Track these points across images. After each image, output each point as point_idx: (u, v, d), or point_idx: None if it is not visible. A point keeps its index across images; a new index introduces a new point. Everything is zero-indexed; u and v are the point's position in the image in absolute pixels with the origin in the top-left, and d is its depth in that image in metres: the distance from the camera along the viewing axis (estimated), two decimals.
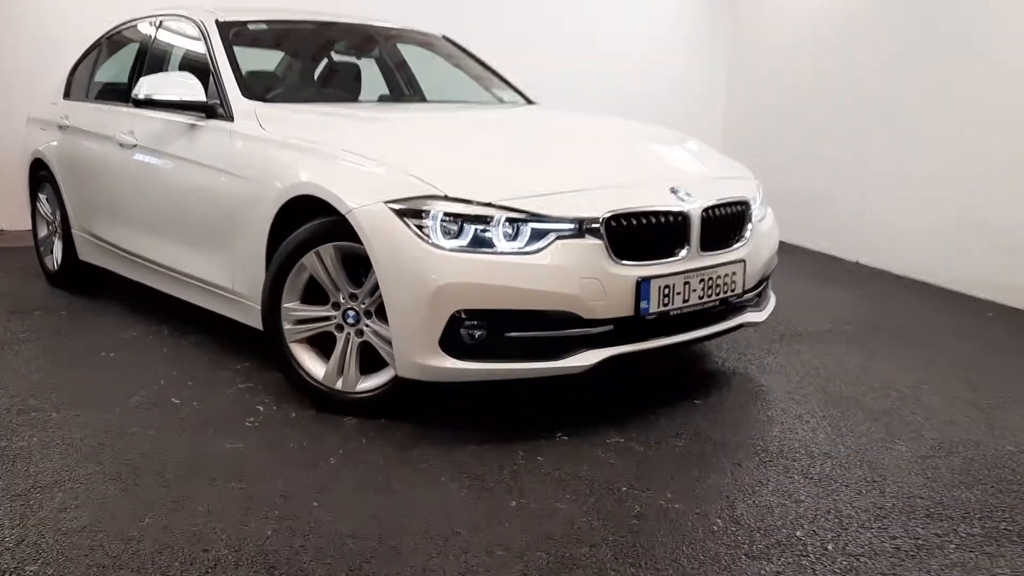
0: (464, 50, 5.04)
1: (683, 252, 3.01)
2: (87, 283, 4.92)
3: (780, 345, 4.10)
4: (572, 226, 2.80)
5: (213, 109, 3.65)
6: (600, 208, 2.85)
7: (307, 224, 3.05)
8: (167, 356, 3.76)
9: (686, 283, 3.00)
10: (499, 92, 4.72)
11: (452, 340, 2.76)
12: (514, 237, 2.77)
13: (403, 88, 4.91)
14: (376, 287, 2.88)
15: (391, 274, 2.77)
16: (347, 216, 2.87)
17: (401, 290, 2.76)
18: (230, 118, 3.58)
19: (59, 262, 4.96)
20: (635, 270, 2.88)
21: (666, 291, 2.95)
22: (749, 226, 3.33)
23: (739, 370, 3.71)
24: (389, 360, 2.95)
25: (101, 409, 3.13)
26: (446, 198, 2.77)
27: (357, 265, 2.99)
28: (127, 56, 4.64)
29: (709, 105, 8.19)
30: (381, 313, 2.92)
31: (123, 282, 4.53)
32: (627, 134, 3.75)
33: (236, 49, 3.92)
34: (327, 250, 2.99)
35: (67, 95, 5.10)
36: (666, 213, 2.98)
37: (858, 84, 6.41)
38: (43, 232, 5.18)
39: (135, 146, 4.06)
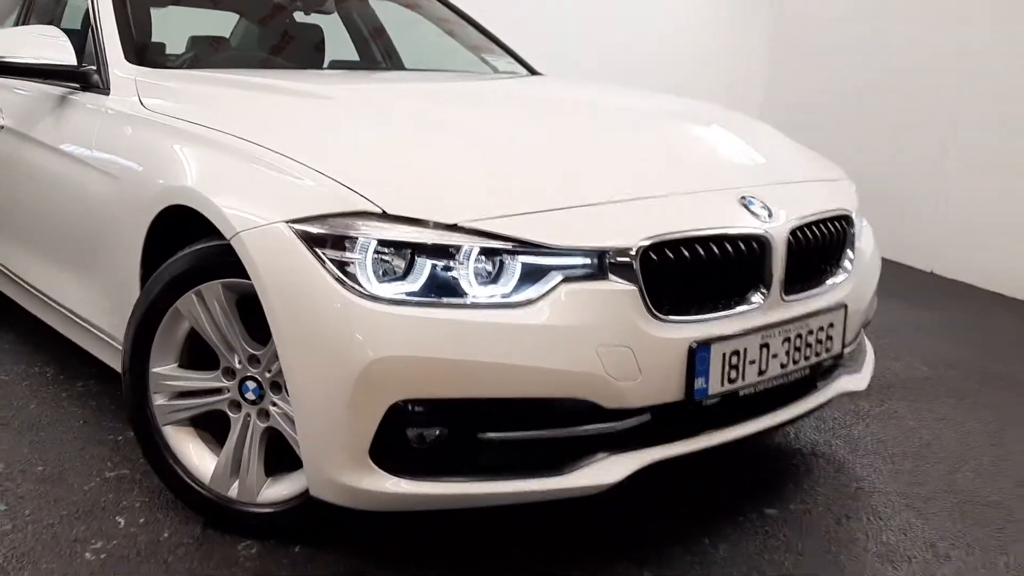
0: (457, 11, 3.98)
1: (758, 297, 1.95)
2: None
3: (868, 403, 3.02)
4: (587, 261, 1.75)
5: (87, 77, 2.60)
6: (633, 232, 1.79)
7: (185, 250, 2.01)
8: (31, 416, 2.72)
9: (764, 346, 1.94)
10: (494, 60, 3.65)
11: (391, 446, 1.71)
12: (493, 279, 1.73)
13: (376, 55, 3.86)
14: None
15: (293, 338, 1.73)
16: (232, 242, 1.83)
17: (309, 365, 1.72)
18: (105, 89, 2.54)
19: None
20: (686, 329, 1.82)
21: (734, 360, 1.89)
22: (850, 252, 2.26)
23: (820, 447, 2.65)
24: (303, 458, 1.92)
25: None
26: (384, 216, 1.72)
27: (261, 314, 1.96)
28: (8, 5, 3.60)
29: (744, 92, 7.01)
30: None
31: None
32: (668, 115, 2.65)
33: (164, 10, 2.90)
34: (213, 290, 1.95)
35: None
36: (736, 238, 1.91)
37: (937, 61, 5.29)
38: None
39: (2, 128, 3.02)
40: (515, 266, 1.73)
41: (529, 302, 1.71)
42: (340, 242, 1.70)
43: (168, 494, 2.17)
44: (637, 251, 1.76)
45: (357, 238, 1.69)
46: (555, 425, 1.76)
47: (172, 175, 2.07)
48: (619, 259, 1.76)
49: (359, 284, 1.68)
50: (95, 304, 2.48)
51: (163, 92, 2.43)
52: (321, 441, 1.74)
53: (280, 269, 1.74)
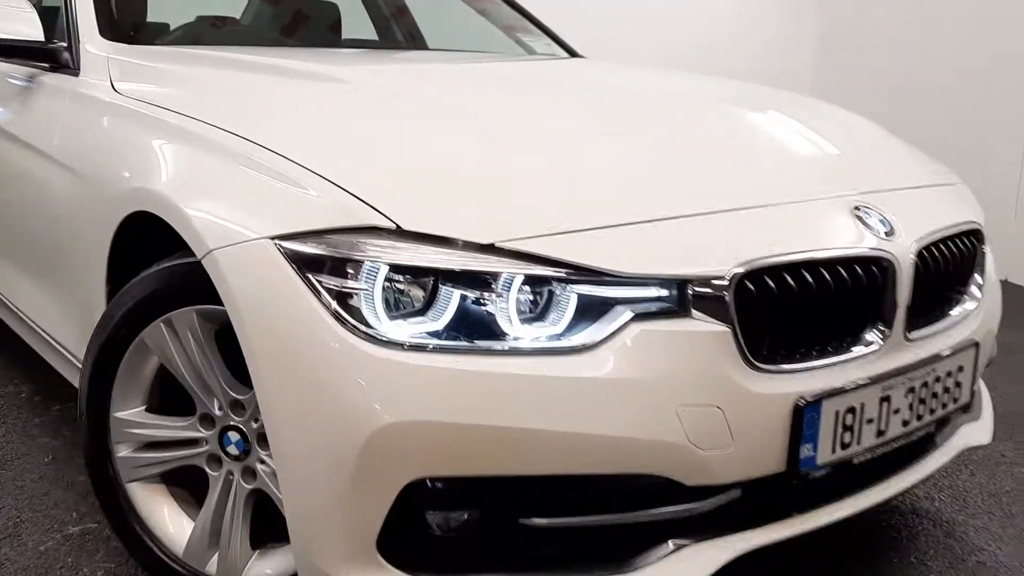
0: None
1: (876, 336, 1.52)
2: None
3: (978, 451, 2.56)
4: (664, 292, 1.33)
5: (56, 55, 2.21)
6: (724, 254, 1.36)
7: (151, 268, 1.61)
8: None
9: (884, 399, 1.51)
10: (531, 41, 3.22)
11: (406, 534, 1.31)
12: (540, 316, 1.31)
13: (398, 36, 3.46)
14: None
15: (278, 390, 1.32)
16: (203, 261, 1.42)
17: (299, 426, 1.31)
18: (75, 70, 2.14)
19: None
20: (791, 382, 1.40)
21: (848, 420, 1.46)
22: (978, 276, 1.82)
23: (922, 504, 2.20)
24: None
25: None
26: (399, 233, 1.30)
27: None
28: None
29: (789, 84, 6.49)
30: None
31: None
32: (743, 104, 2.19)
33: None
34: (186, 319, 1.55)
35: None
36: (853, 261, 1.49)
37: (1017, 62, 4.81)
38: None
39: None
40: (569, 299, 1.32)
41: (588, 347, 1.30)
42: (341, 266, 1.29)
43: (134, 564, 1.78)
44: (731, 280, 1.34)
45: (363, 262, 1.28)
46: (620, 508, 1.34)
47: (140, 174, 1.67)
48: (706, 290, 1.33)
49: (365, 322, 1.27)
50: (61, 322, 2.09)
51: (140, 73, 2.03)
52: (314, 524, 1.33)
53: (263, 299, 1.33)
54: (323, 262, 1.30)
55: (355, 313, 1.28)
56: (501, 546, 1.34)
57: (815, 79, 6.54)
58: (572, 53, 3.20)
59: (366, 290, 1.28)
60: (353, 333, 1.26)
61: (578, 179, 1.48)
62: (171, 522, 1.68)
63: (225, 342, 1.56)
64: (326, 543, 1.32)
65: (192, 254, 1.48)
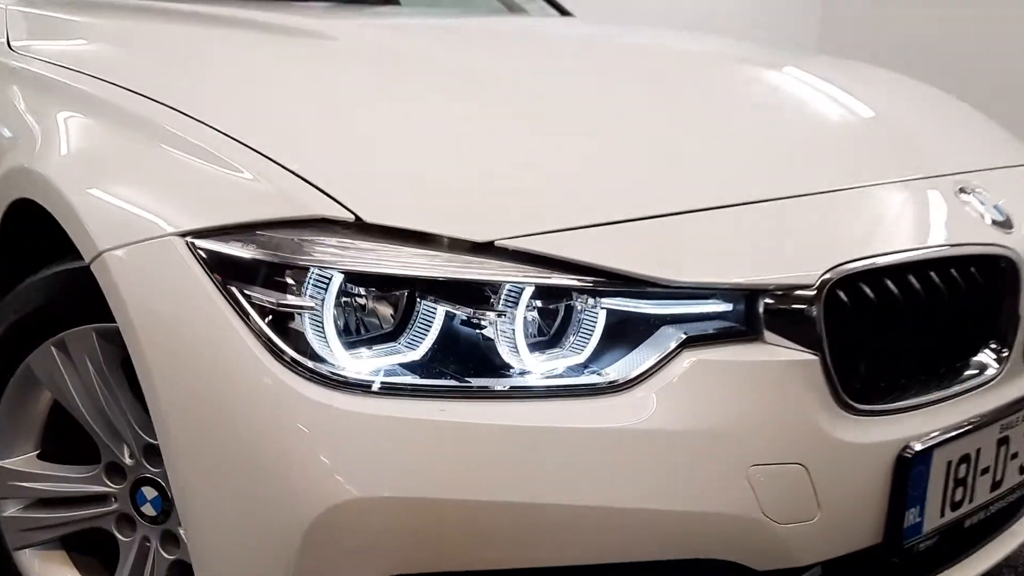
0: None
1: (990, 358, 1.16)
2: None
3: None
4: (725, 308, 0.96)
5: None
6: (808, 255, 1.00)
7: (37, 275, 1.23)
8: None
9: (1002, 441, 1.15)
10: None
11: None
12: (554, 341, 0.95)
13: None
14: None
15: (189, 447, 0.94)
16: (92, 267, 1.04)
17: (218, 503, 0.93)
18: None
19: None
20: (893, 425, 1.04)
21: (961, 472, 1.10)
22: None
23: None
24: None
25: None
26: (359, 228, 0.92)
27: None
28: None
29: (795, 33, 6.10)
30: None
31: None
32: (786, 67, 1.75)
33: None
34: (83, 341, 1.16)
35: None
36: (967, 261, 1.12)
37: None
38: None
39: None
40: (595, 317, 0.95)
41: (623, 384, 0.93)
42: (278, 275, 0.91)
43: None
44: (820, 288, 0.97)
45: (309, 268, 0.90)
46: None
47: (25, 152, 1.28)
48: (784, 305, 0.97)
49: (311, 354, 0.89)
50: None
51: (44, 27, 1.63)
52: None
53: (168, 321, 0.95)
54: (253, 269, 0.92)
55: (297, 340, 0.90)
56: None
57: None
58: (563, 11, 2.80)
59: (312, 308, 0.90)
60: (293, 370, 0.89)
61: (599, 159, 1.10)
62: None
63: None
64: None
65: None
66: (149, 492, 1.21)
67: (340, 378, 0.89)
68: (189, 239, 0.96)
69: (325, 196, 0.94)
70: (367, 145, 1.05)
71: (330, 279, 0.90)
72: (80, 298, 1.17)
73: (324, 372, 0.89)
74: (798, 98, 1.54)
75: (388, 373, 0.91)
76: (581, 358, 0.95)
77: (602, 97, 1.35)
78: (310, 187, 0.95)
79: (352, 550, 0.88)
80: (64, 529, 1.29)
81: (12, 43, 1.60)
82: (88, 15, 1.72)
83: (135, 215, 1.02)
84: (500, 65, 1.53)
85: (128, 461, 1.22)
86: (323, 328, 0.90)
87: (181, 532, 1.20)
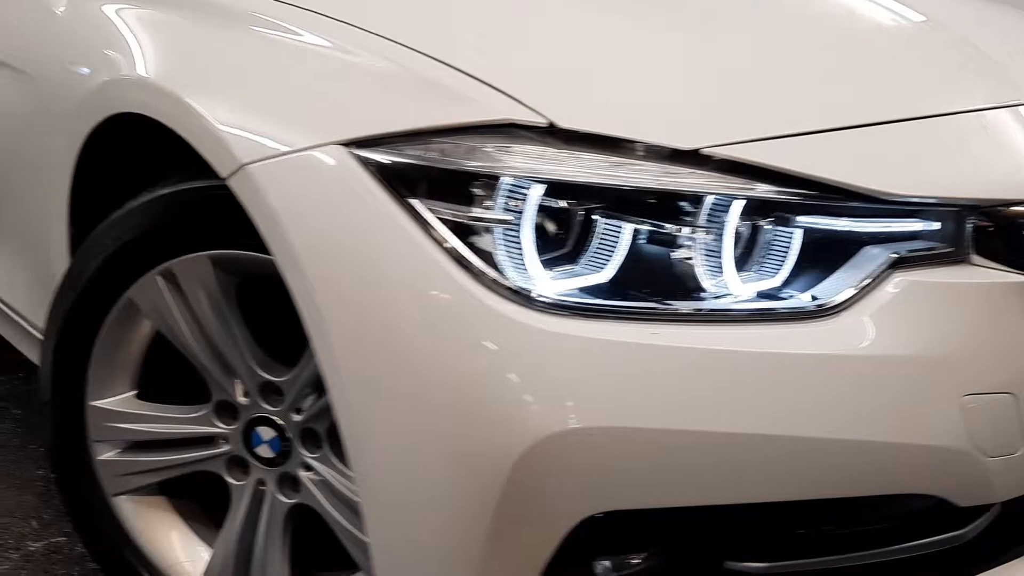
0: None
1: None
2: None
3: None
4: (933, 227, 0.89)
5: None
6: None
7: (143, 197, 1.12)
8: None
9: None
10: None
11: None
12: (750, 261, 0.87)
13: None
14: None
15: (364, 379, 0.85)
16: (230, 182, 0.94)
17: (399, 436, 0.85)
18: None
19: None
20: None
21: None
22: None
23: None
24: (361, 563, 1.08)
25: None
26: (551, 134, 0.84)
27: (287, 311, 1.09)
28: None
29: None
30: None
31: None
32: None
33: None
34: (196, 269, 1.07)
35: None
36: None
37: None
38: None
39: None
40: (794, 235, 0.88)
41: (832, 309, 0.86)
42: (463, 186, 0.83)
43: None
44: None
45: (500, 177, 0.82)
46: (860, 545, 0.92)
47: (119, 62, 1.17)
48: (994, 224, 0.90)
49: (504, 273, 0.81)
50: (7, 279, 1.58)
51: None
52: (420, 574, 0.88)
53: (333, 238, 0.86)
54: (435, 179, 0.83)
55: (486, 259, 0.82)
56: None
57: None
58: None
59: (508, 222, 0.82)
60: (492, 290, 0.80)
61: (796, 63, 1.02)
62: (181, 549, 1.22)
63: (253, 304, 1.10)
64: None
65: (205, 175, 1.01)
66: (266, 432, 1.13)
67: (542, 298, 0.81)
68: (351, 147, 0.86)
69: (512, 100, 0.85)
70: (552, 49, 0.97)
71: (527, 189, 0.82)
72: (194, 222, 1.08)
73: (526, 291, 0.81)
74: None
75: (587, 293, 0.83)
76: (777, 280, 0.88)
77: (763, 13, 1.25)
78: (492, 90, 0.86)
79: (561, 485, 0.80)
80: (166, 474, 1.21)
81: None
82: None
83: (285, 125, 0.92)
84: None
85: (242, 400, 1.13)
86: (519, 243, 0.82)
87: (302, 474, 1.12)
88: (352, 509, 1.08)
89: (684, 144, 0.84)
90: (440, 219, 0.82)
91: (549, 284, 0.82)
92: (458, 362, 0.81)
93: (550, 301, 0.81)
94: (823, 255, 0.89)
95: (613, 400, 0.79)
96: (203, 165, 1.05)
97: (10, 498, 1.63)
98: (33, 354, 1.58)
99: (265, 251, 1.01)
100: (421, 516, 0.86)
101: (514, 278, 0.81)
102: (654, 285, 0.85)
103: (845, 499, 0.89)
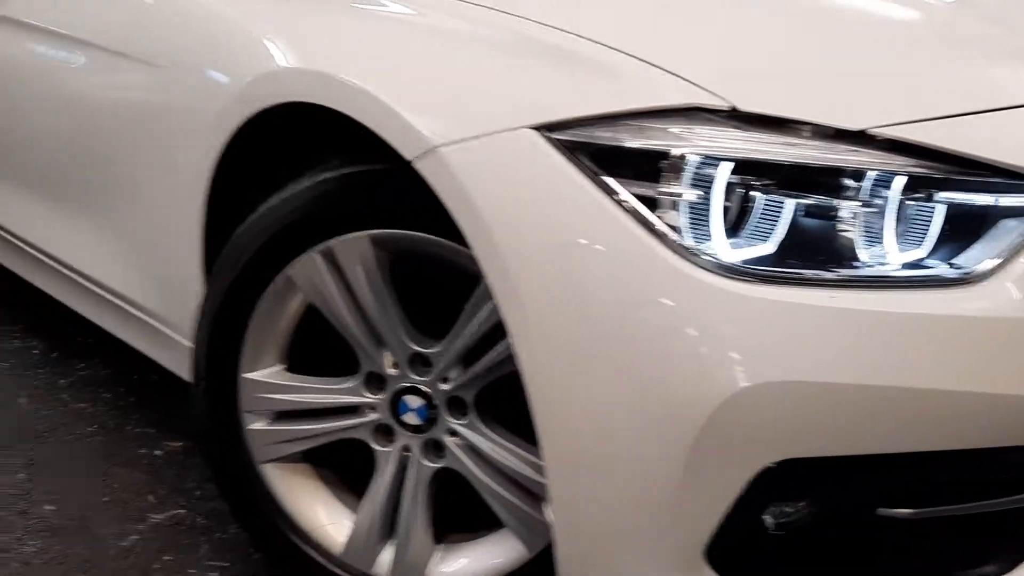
0: None
1: None
2: None
3: None
4: None
5: None
6: None
7: (307, 180, 1.20)
8: (23, 417, 1.90)
9: None
10: None
11: (738, 534, 0.95)
12: (899, 232, 0.96)
13: None
14: (480, 340, 1.09)
15: (558, 342, 0.93)
16: (417, 164, 1.02)
17: (591, 391, 0.92)
18: None
19: None
20: None
21: None
22: None
23: None
24: (508, 522, 1.16)
25: None
26: (734, 117, 0.93)
27: (437, 289, 1.17)
28: None
29: None
30: (491, 407, 1.14)
31: None
32: None
33: None
34: (356, 248, 1.15)
35: None
36: None
37: None
38: None
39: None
40: (935, 209, 0.97)
41: (976, 278, 0.95)
42: (652, 165, 0.91)
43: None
44: None
45: (687, 156, 0.90)
46: (1007, 491, 1.01)
47: (277, 52, 1.24)
48: None
49: (697, 242, 0.90)
50: (124, 265, 1.65)
51: None
52: (605, 524, 0.96)
53: (529, 215, 0.94)
54: (628, 158, 0.91)
55: (676, 230, 0.90)
56: (848, 546, 0.99)
57: None
58: None
59: (696, 198, 0.90)
60: (686, 258, 0.89)
61: (925, 51, 1.11)
62: (325, 513, 1.29)
63: (406, 282, 1.18)
64: (623, 549, 0.96)
65: (365, 160, 1.09)
66: (413, 401, 1.21)
67: (730, 266, 0.89)
68: (543, 131, 0.95)
69: (693, 86, 0.93)
70: (722, 35, 1.05)
71: (716, 167, 0.90)
72: (362, 204, 1.15)
73: (717, 259, 0.89)
74: None
75: (761, 262, 0.91)
76: (923, 251, 0.97)
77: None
78: (674, 76, 0.94)
79: (748, 435, 0.89)
80: (313, 442, 1.28)
81: None
82: None
83: (471, 111, 1.00)
84: None
85: (391, 371, 1.21)
86: (706, 215, 0.90)
87: (447, 439, 1.20)
88: (498, 470, 1.16)
89: (852, 125, 0.93)
90: (637, 195, 0.90)
91: (732, 252, 0.91)
92: (654, 322, 0.89)
93: (736, 267, 0.90)
94: (963, 227, 0.98)
95: (797, 357, 0.88)
96: (363, 151, 1.13)
97: (123, 476, 1.70)
98: (163, 355, 1.63)
99: (428, 230, 1.10)
100: (609, 469, 0.94)
101: (705, 247, 0.90)
102: (818, 255, 0.94)
103: (986, 449, 0.98)
